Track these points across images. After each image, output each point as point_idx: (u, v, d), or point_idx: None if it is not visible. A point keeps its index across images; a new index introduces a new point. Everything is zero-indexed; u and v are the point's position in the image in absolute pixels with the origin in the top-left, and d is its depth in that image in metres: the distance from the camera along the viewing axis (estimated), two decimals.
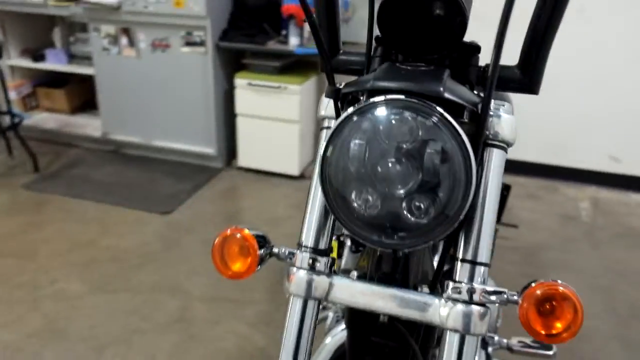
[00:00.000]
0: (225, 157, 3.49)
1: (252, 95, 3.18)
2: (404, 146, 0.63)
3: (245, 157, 3.39)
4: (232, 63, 3.33)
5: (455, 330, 0.68)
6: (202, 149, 3.43)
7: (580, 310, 0.62)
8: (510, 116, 0.70)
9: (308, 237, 0.75)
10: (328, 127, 0.78)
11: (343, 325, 1.07)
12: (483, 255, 0.69)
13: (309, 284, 0.73)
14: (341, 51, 0.85)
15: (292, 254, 0.76)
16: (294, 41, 3.03)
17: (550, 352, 1.38)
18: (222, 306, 2.18)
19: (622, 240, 2.73)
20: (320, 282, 0.73)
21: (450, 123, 0.61)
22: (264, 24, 3.18)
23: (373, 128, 0.64)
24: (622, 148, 3.16)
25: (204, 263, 2.46)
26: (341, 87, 0.72)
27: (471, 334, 0.68)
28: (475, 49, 0.74)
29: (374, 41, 0.78)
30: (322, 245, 0.75)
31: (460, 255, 0.70)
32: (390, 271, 0.79)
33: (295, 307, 0.74)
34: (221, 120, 3.38)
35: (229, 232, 0.74)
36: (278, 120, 3.20)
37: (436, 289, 0.76)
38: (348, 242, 1.17)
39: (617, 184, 3.18)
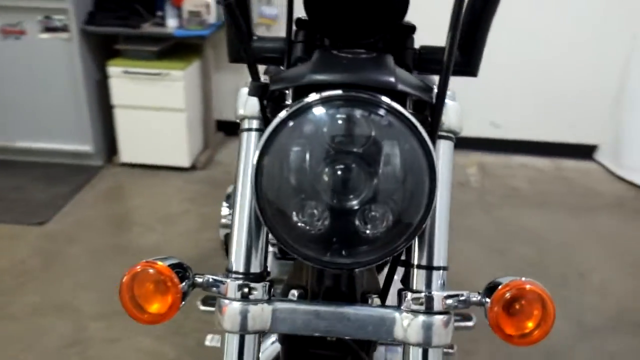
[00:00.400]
0: (104, 153, 3.17)
1: (129, 84, 2.89)
2: (354, 150, 0.53)
3: (128, 152, 3.10)
4: (103, 49, 2.99)
5: (419, 344, 0.61)
6: (76, 147, 3.07)
7: (551, 306, 0.58)
8: (456, 103, 0.64)
9: (238, 261, 0.64)
10: (249, 129, 0.65)
11: (273, 338, 0.97)
12: (440, 259, 0.62)
13: (244, 316, 0.62)
14: (255, 37, 0.72)
15: (220, 283, 0.63)
16: (172, 23, 2.79)
17: (471, 323, 1.38)
18: (121, 321, 1.96)
19: (509, 201, 2.91)
20: (258, 312, 0.62)
21: (407, 119, 0.52)
22: (136, 5, 2.89)
23: (315, 131, 0.53)
24: (501, 115, 3.35)
25: (92, 276, 2.20)
26: (267, 82, 0.60)
27: (435, 347, 0.61)
28: (410, 29, 0.66)
29: (294, 24, 0.67)
30: (256, 268, 0.64)
31: (415, 261, 0.63)
32: (333, 285, 0.70)
33: (231, 345, 0.63)
34: (96, 114, 3.04)
35: (138, 267, 0.60)
36: (162, 110, 2.95)
37: (386, 300, 0.68)
38: (271, 249, 1.06)
39: (500, 149, 3.38)
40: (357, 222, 0.55)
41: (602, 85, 3.16)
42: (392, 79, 0.54)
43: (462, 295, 0.62)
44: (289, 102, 0.61)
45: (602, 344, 1.89)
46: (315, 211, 0.55)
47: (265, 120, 0.62)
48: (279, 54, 0.69)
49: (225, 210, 1.12)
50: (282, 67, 0.69)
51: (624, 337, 1.93)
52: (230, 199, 1.13)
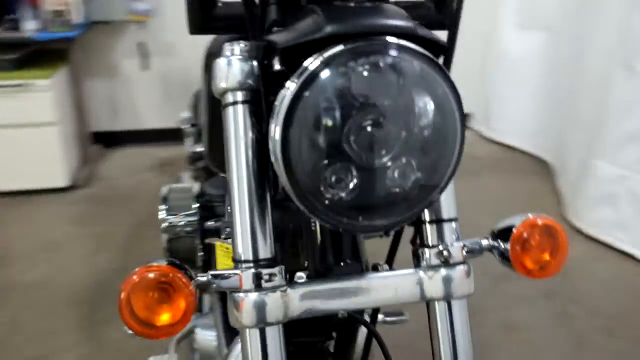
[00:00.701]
0: None
1: None
2: (386, 102, 0.49)
3: None
4: None
5: (445, 298, 0.60)
6: None
7: (564, 236, 0.60)
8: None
9: (246, 248, 0.56)
10: (235, 103, 0.57)
11: None
12: (451, 210, 0.61)
13: (264, 307, 0.55)
14: (219, 3, 0.64)
15: (231, 275, 0.56)
16: (29, 25, 2.46)
17: (405, 317, 1.36)
18: None
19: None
20: (279, 300, 0.56)
21: (437, 64, 0.50)
22: None
23: (341, 87, 0.48)
24: None
25: None
26: (276, 41, 0.53)
27: (461, 297, 0.61)
28: None
29: None
30: (267, 253, 0.57)
31: (426, 218, 0.61)
32: (337, 261, 0.66)
33: (255, 341, 0.56)
34: None
35: (135, 277, 0.50)
36: (29, 126, 2.60)
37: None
38: None
39: None
40: (388, 182, 0.51)
41: (470, 59, 3.45)
42: (412, 25, 0.51)
43: (475, 242, 0.62)
44: (277, 67, 0.55)
45: (509, 288, 2.06)
46: (349, 174, 0.50)
47: (265, 88, 0.55)
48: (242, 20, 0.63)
49: (162, 214, 1.02)
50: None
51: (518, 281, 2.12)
52: (166, 201, 1.02)
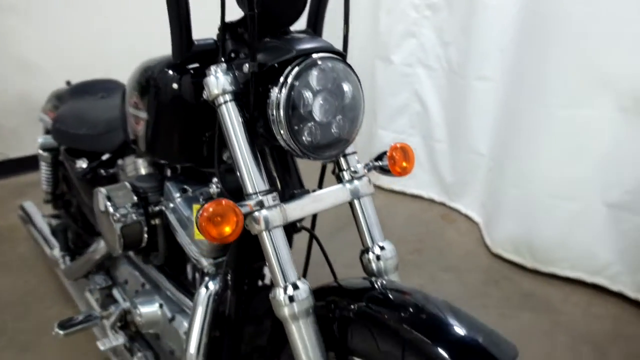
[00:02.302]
0: None
1: None
2: (329, 88, 0.89)
3: None
4: None
5: (360, 196, 1.03)
6: None
7: (412, 150, 1.07)
8: None
9: (252, 183, 0.91)
10: (226, 102, 0.92)
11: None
12: (353, 147, 1.04)
13: (266, 220, 0.90)
14: (195, 43, 0.97)
15: (248, 203, 0.90)
16: None
17: None
18: None
19: None
20: (278, 212, 0.92)
21: (351, 66, 0.92)
22: None
23: (310, 79, 0.87)
24: None
25: None
26: (263, 63, 0.89)
27: (369, 194, 1.04)
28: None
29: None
30: (266, 186, 0.93)
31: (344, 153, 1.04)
32: (294, 178, 1.03)
33: (269, 240, 0.91)
34: None
35: (211, 206, 0.83)
36: None
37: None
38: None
39: None
40: (333, 131, 0.92)
41: None
42: (330, 44, 0.93)
43: (368, 164, 1.06)
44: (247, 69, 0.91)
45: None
46: (314, 128, 0.89)
47: (255, 91, 0.90)
48: (211, 50, 0.97)
49: (112, 209, 1.23)
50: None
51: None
52: (111, 199, 1.24)
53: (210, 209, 0.83)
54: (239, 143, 0.91)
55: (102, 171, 1.55)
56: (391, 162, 1.05)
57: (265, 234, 0.90)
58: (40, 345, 1.93)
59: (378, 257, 1.02)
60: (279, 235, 0.92)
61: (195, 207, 1.09)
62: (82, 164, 1.58)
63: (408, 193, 3.10)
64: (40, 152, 1.98)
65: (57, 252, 1.97)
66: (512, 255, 2.53)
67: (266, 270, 1.27)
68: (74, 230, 2.00)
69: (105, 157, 1.54)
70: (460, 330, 0.80)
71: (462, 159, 2.88)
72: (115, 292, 1.63)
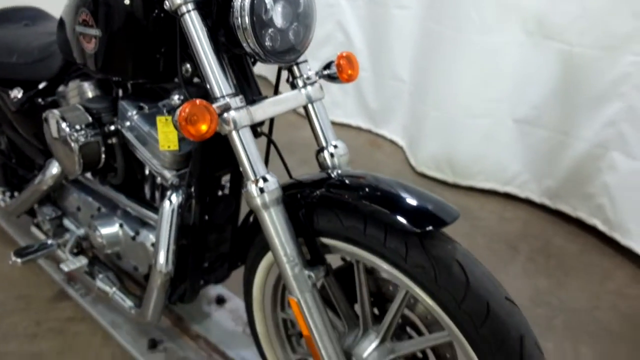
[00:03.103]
0: None
1: None
2: None
3: None
4: None
5: (314, 100, 1.13)
6: None
7: (355, 58, 1.18)
8: None
9: (220, 87, 0.98)
10: (189, 11, 0.97)
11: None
12: (304, 56, 1.13)
13: (235, 120, 0.98)
14: None
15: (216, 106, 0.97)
16: None
17: None
18: None
19: None
20: (244, 114, 1.00)
21: None
22: None
23: None
24: None
25: None
26: None
27: (320, 99, 1.14)
28: None
29: None
30: (232, 88, 1.00)
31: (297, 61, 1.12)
32: (253, 85, 1.10)
33: (240, 138, 0.99)
34: None
35: (188, 106, 0.89)
36: None
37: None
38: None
39: None
40: (290, 37, 0.99)
41: None
42: None
43: (318, 71, 1.15)
44: None
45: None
46: (275, 34, 0.96)
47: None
48: None
49: (68, 130, 1.24)
50: None
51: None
52: (65, 120, 1.25)
53: (187, 109, 0.89)
54: (205, 50, 0.97)
55: (40, 100, 1.52)
56: (339, 69, 1.15)
57: (234, 134, 0.98)
58: None
59: (332, 155, 1.13)
60: (248, 134, 1.00)
61: (160, 118, 1.13)
62: (17, 94, 1.53)
63: (337, 122, 3.24)
64: None
65: None
66: (434, 172, 2.76)
67: (225, 180, 1.35)
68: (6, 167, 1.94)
69: (42, 85, 1.51)
70: (412, 200, 0.94)
71: (385, 86, 3.04)
72: (67, 222, 1.64)
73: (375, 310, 1.14)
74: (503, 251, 2.32)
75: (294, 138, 1.65)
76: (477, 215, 2.56)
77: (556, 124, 2.38)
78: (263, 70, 1.00)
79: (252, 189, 0.99)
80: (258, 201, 0.99)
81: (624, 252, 2.26)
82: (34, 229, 1.74)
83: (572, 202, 2.45)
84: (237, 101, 0.98)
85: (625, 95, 2.11)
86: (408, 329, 1.12)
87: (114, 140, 1.30)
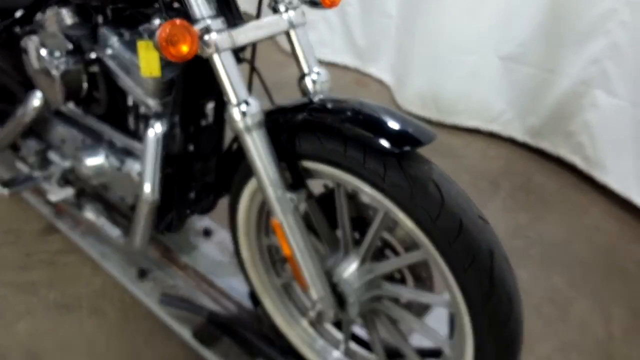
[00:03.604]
0: None
1: None
2: None
3: None
4: None
5: (295, 27, 1.12)
6: None
7: None
8: None
9: (199, 9, 0.97)
10: None
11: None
12: None
13: (216, 43, 0.98)
14: None
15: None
16: None
17: None
18: None
19: None
20: (226, 36, 0.99)
21: None
22: None
23: None
24: None
25: None
26: None
27: (302, 24, 1.13)
28: None
29: None
30: (213, 10, 0.99)
31: None
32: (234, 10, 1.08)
33: (222, 61, 0.99)
34: None
35: (168, 27, 0.88)
36: None
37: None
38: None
39: None
40: None
41: None
42: None
43: None
44: None
45: None
46: None
47: None
48: None
49: (48, 56, 1.23)
50: None
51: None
52: (45, 45, 1.23)
53: (167, 29, 0.89)
54: None
55: (18, 29, 1.49)
56: None
57: (216, 56, 0.98)
58: None
59: (314, 81, 1.14)
60: (229, 58, 1.00)
61: (141, 42, 1.12)
62: None
63: (324, 61, 3.20)
64: None
65: None
66: (420, 110, 2.78)
67: (209, 109, 1.36)
68: None
69: (19, 13, 1.48)
70: (391, 123, 0.96)
71: (373, 23, 2.99)
72: (51, 155, 1.65)
73: (356, 235, 1.18)
74: (485, 188, 2.38)
75: (282, 77, 1.64)
76: (460, 154, 2.60)
77: (541, 61, 2.38)
78: (243, 5, 0.98)
79: (235, 112, 1.00)
80: (240, 125, 1.00)
81: (600, 189, 2.33)
82: (18, 164, 1.75)
83: (554, 140, 2.49)
84: (218, 23, 0.98)
85: (611, 32, 2.11)
86: (387, 252, 1.17)
87: (95, 68, 1.29)
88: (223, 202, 1.48)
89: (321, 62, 1.17)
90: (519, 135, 2.63)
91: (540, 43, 2.34)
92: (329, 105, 1.03)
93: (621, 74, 2.12)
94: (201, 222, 1.85)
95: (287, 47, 1.11)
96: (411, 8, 2.68)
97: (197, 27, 0.95)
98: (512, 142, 2.67)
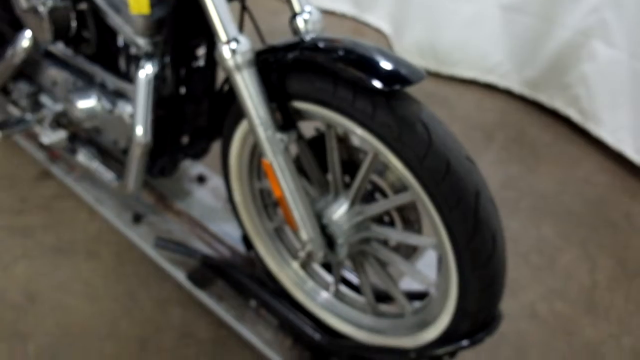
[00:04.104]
0: None
1: None
2: None
3: None
4: None
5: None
6: None
7: None
8: None
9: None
10: None
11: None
12: None
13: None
14: None
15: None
16: None
17: None
18: None
19: None
20: None
21: None
22: None
23: None
24: None
25: None
26: None
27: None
28: None
29: None
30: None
31: None
32: None
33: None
34: None
35: None
36: None
37: None
38: None
39: None
40: None
41: None
42: None
43: None
44: None
45: None
46: None
47: None
48: None
49: None
50: None
51: None
52: None
53: None
54: None
55: None
56: None
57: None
58: None
59: (306, 21, 1.12)
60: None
61: None
62: None
63: (321, 9, 3.13)
64: None
65: None
66: (417, 60, 2.74)
67: (200, 52, 1.34)
68: None
69: None
70: (385, 64, 0.95)
71: None
72: (43, 98, 1.64)
73: (346, 179, 1.19)
74: (478, 139, 2.38)
75: (275, 24, 1.61)
76: (455, 105, 2.59)
77: (541, 11, 2.34)
78: None
79: (225, 50, 0.99)
80: (230, 63, 1.00)
81: (594, 142, 2.33)
82: (10, 107, 1.74)
83: (550, 92, 2.48)
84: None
85: None
86: (376, 195, 1.18)
87: (84, 5, 1.27)
88: (217, 148, 1.49)
89: (318, 10, 1.15)
90: (516, 87, 2.61)
91: None
92: (321, 45, 1.02)
93: (620, 24, 2.09)
94: (195, 168, 1.86)
95: None
96: None
97: None
98: (508, 93, 2.65)
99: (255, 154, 1.28)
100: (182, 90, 1.31)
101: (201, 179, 1.83)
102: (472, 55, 2.62)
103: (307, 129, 1.17)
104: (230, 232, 1.64)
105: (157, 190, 1.79)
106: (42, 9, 1.21)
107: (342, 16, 3.17)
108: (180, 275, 1.52)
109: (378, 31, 3.06)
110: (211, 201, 1.77)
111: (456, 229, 0.94)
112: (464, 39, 2.58)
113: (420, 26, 2.67)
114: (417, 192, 0.97)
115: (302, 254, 1.14)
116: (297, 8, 1.13)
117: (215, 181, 1.84)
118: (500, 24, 2.49)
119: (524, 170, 2.22)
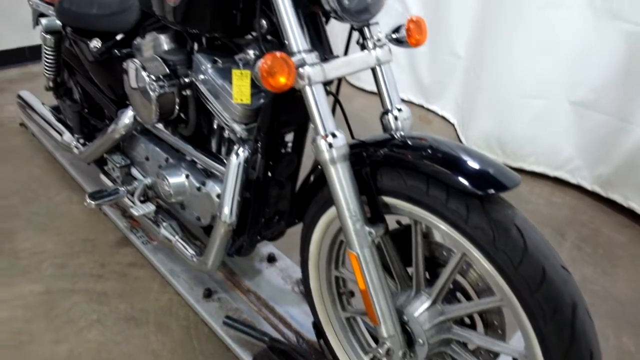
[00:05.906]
0: None
1: None
2: None
3: None
4: None
5: (381, 63, 1.16)
6: None
7: (424, 22, 1.20)
8: None
9: (297, 43, 1.03)
10: None
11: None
12: (375, 19, 1.16)
13: (309, 76, 1.03)
14: None
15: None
16: None
17: None
18: None
19: None
20: (319, 70, 1.04)
21: None
22: None
23: None
24: None
25: None
26: None
27: (389, 61, 1.18)
28: None
29: None
30: (308, 45, 1.04)
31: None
32: (325, 44, 1.15)
33: (313, 93, 1.04)
34: None
35: (269, 59, 0.96)
36: None
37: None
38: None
39: None
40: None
41: None
42: None
43: (387, 33, 1.19)
44: None
45: None
46: None
47: None
48: None
49: (148, 79, 1.32)
50: None
51: None
52: (145, 69, 1.33)
53: (269, 62, 0.95)
54: (285, 5, 1.02)
55: (117, 51, 1.60)
56: (408, 33, 1.18)
57: (308, 89, 1.03)
58: (55, 227, 2.05)
59: (396, 118, 1.17)
60: (321, 90, 1.05)
61: (235, 71, 1.18)
62: (96, 44, 1.61)
63: None
64: (45, 35, 1.97)
65: (67, 137, 2.03)
66: (485, 151, 2.75)
67: (288, 138, 1.41)
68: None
69: (119, 36, 1.59)
70: (474, 163, 0.97)
71: (440, 61, 3.02)
72: (134, 171, 1.74)
73: (427, 275, 1.18)
74: (550, 237, 2.31)
75: (349, 109, 1.70)
76: (525, 198, 2.54)
77: (615, 109, 2.32)
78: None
79: (322, 143, 1.04)
80: (326, 156, 1.04)
81: None
82: (103, 177, 1.85)
83: (625, 191, 2.41)
84: (312, 57, 1.03)
85: None
86: (458, 295, 1.16)
87: (188, 92, 1.37)
88: (289, 230, 1.52)
89: (408, 108, 1.20)
90: (588, 184, 2.55)
91: (616, 90, 2.29)
92: (410, 142, 1.05)
93: None
94: (266, 248, 1.89)
95: (354, 81, 1.16)
96: (480, 49, 2.69)
97: (294, 60, 1.01)
98: (579, 189, 2.59)
99: (336, 242, 1.30)
100: (269, 174, 1.36)
101: (271, 259, 1.85)
102: (542, 150, 2.60)
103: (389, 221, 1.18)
104: (296, 316, 1.63)
105: (228, 267, 1.82)
106: (152, 93, 1.32)
107: (409, 103, 3.25)
108: (246, 357, 1.51)
109: (445, 120, 3.11)
110: (280, 282, 1.78)
111: (550, 341, 0.91)
112: (533, 133, 2.58)
113: (487, 118, 2.69)
114: (509, 298, 0.95)
115: (380, 351, 1.11)
116: (388, 105, 1.17)
117: (285, 262, 1.85)
118: (571, 119, 2.48)
119: (599, 272, 2.12)
